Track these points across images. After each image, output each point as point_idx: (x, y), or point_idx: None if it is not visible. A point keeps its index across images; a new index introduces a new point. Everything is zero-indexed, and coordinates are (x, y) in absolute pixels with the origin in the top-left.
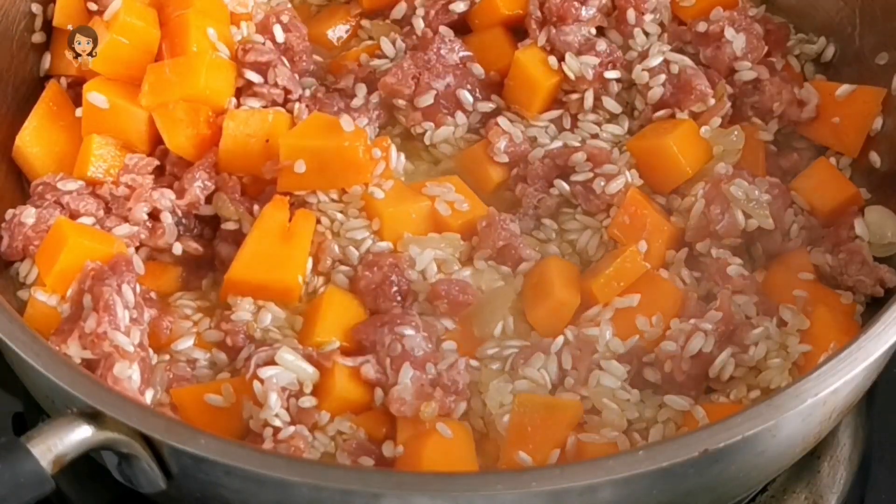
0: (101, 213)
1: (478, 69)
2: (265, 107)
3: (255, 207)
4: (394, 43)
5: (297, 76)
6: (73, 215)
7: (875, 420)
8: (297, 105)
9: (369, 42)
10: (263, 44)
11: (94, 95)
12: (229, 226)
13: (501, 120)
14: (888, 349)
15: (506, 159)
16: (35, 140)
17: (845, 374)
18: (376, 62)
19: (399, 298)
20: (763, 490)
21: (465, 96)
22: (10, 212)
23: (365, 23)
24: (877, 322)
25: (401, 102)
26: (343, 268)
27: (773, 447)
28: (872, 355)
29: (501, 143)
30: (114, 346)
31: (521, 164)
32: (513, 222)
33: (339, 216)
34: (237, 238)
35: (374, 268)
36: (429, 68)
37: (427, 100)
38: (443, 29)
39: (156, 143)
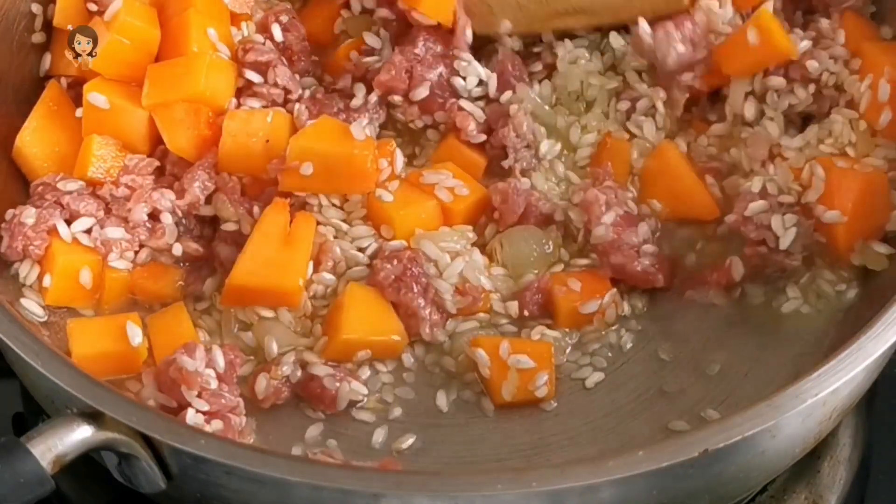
0: (101, 213)
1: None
2: (265, 107)
3: (255, 208)
4: (377, 33)
5: (297, 76)
6: (73, 216)
7: (875, 420)
8: (297, 105)
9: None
10: (263, 44)
11: (95, 95)
12: (229, 226)
13: (462, 102)
14: (888, 349)
15: (483, 137)
16: (35, 140)
17: (845, 374)
18: (369, 59)
19: (420, 290)
20: (763, 490)
21: (459, 83)
22: (10, 212)
23: (339, 22)
24: (877, 322)
25: (396, 98)
26: (357, 268)
27: (773, 447)
28: (872, 355)
29: (471, 126)
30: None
31: (502, 120)
32: (518, 181)
33: (342, 223)
34: (237, 239)
35: (394, 260)
36: (420, 60)
37: (422, 92)
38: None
39: (156, 144)
